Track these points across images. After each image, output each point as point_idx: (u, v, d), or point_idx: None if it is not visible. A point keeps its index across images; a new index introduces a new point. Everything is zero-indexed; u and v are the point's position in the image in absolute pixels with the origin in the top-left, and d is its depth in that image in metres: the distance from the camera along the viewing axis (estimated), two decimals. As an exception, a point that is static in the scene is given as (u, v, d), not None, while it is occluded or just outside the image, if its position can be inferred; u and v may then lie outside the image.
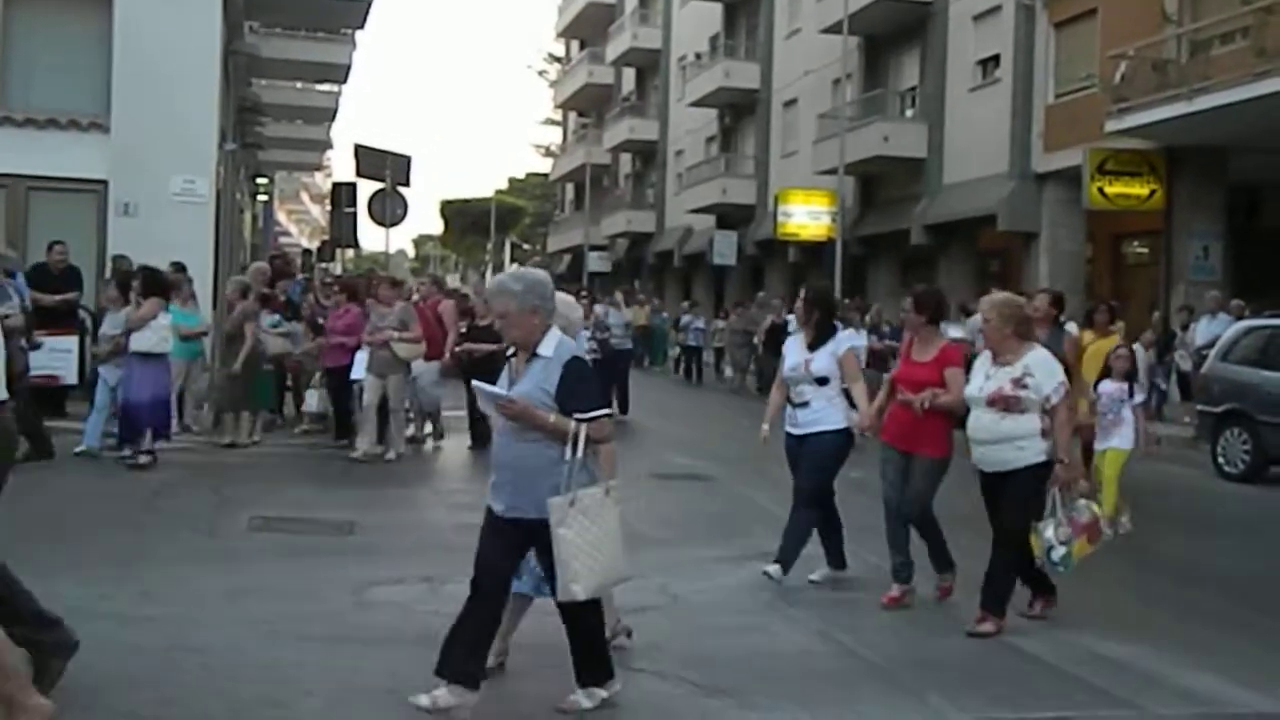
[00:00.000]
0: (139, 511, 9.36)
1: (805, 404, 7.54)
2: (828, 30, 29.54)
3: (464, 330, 14.23)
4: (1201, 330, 16.99)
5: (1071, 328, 11.35)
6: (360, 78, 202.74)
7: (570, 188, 60.72)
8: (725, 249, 36.25)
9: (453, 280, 73.90)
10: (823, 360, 7.47)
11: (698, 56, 42.63)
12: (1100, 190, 20.79)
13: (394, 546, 8.47)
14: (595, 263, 49.53)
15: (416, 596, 7.03)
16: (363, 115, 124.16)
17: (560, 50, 65.43)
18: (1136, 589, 7.93)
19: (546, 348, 5.09)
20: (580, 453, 4.90)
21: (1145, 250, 23.15)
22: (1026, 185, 23.72)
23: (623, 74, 52.04)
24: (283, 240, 53.69)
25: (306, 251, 44.71)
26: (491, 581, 5.15)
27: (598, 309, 18.33)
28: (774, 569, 7.37)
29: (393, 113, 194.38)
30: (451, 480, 12.35)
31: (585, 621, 5.19)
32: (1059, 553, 6.58)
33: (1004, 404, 6.56)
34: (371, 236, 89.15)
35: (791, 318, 20.94)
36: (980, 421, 6.66)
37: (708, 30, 41.91)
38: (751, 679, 5.68)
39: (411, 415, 14.06)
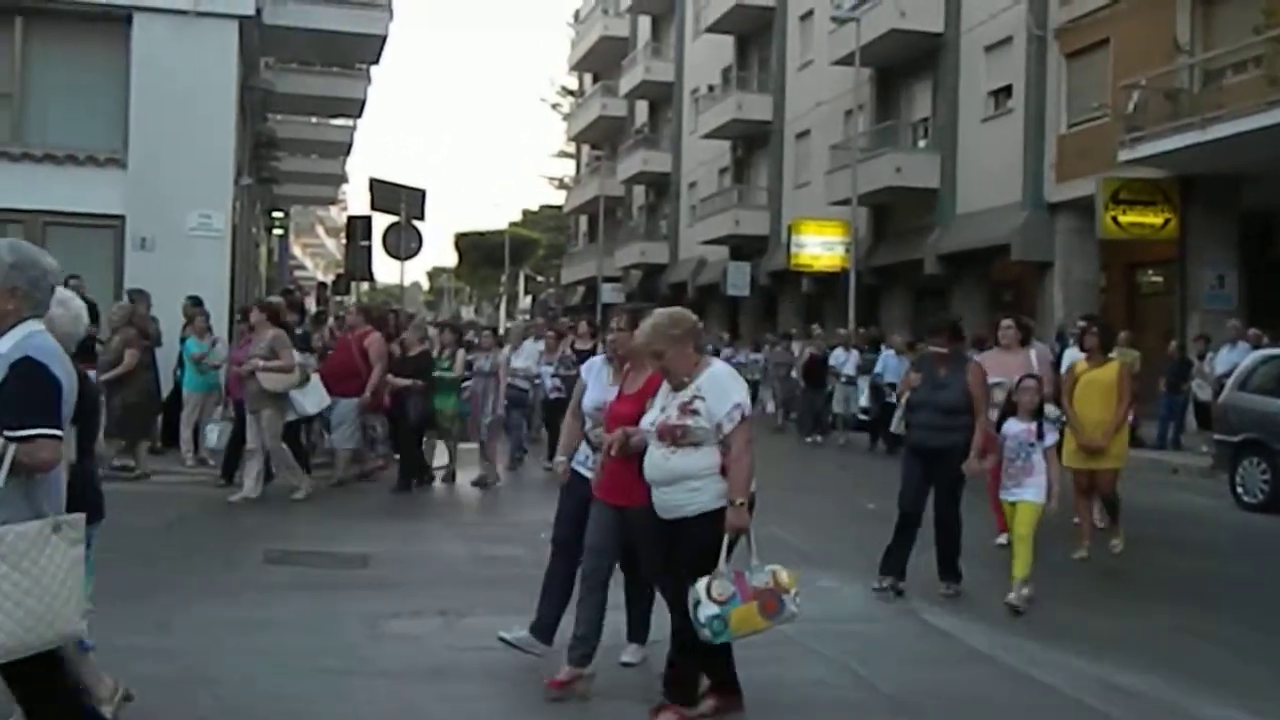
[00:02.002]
0: (154, 543, 9.37)
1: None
2: (840, 62, 29.67)
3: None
4: (1221, 359, 16.91)
5: (1074, 354, 11.22)
6: (375, 112, 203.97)
7: (584, 220, 60.92)
8: (739, 280, 36.30)
9: (467, 313, 74.21)
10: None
11: (710, 89, 42.82)
12: (1114, 219, 20.78)
13: (409, 579, 8.47)
14: (609, 294, 49.62)
15: (431, 630, 7.02)
16: (377, 149, 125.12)
17: (573, 83, 65.80)
18: (1153, 619, 7.88)
19: (6, 342, 3.96)
20: (2, 479, 3.76)
21: (1160, 279, 23.10)
22: (1040, 215, 23.72)
23: (636, 106, 52.28)
24: (298, 274, 53.94)
25: (321, 285, 44.89)
26: None
27: (565, 346, 15.93)
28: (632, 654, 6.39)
29: (407, 147, 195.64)
30: (467, 513, 12.34)
31: (34, 685, 4.09)
32: (708, 611, 5.17)
33: (671, 436, 5.32)
34: (386, 269, 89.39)
35: (838, 350, 20.83)
36: (651, 459, 5.39)
37: (720, 63, 42.11)
38: (765, 710, 5.65)
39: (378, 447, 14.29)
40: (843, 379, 20.17)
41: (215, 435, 13.14)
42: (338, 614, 7.29)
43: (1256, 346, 15.83)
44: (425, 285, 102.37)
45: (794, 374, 22.33)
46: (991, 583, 8.30)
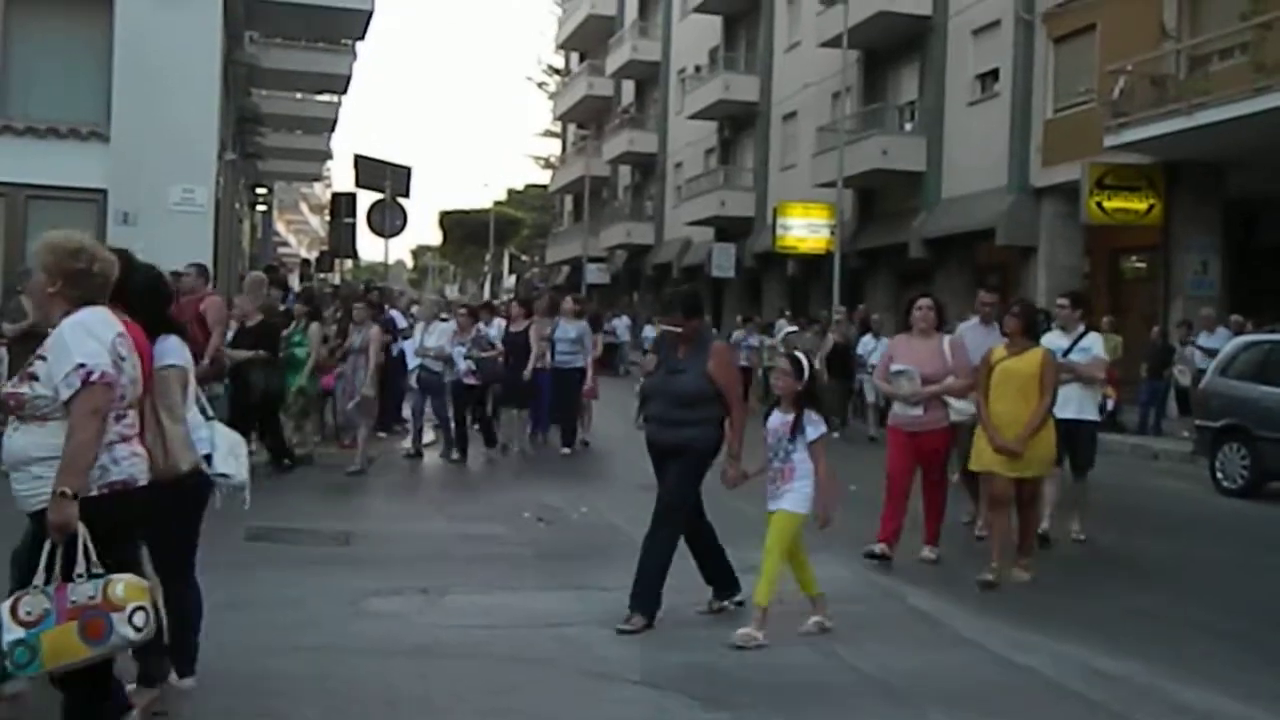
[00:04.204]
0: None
1: None
2: (827, 44, 29.61)
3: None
4: (1201, 345, 16.99)
5: (1094, 340, 9.72)
6: (360, 89, 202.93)
7: (569, 199, 60.81)
8: (724, 261, 36.28)
9: (451, 291, 74.06)
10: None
11: (697, 69, 42.71)
12: (1099, 205, 20.81)
13: (390, 557, 8.45)
14: (594, 274, 49.60)
15: (413, 607, 7.01)
16: (362, 126, 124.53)
17: (560, 62, 65.59)
18: (1134, 603, 7.91)
19: None
20: None
21: (1143, 265, 23.16)
22: (1025, 199, 23.74)
23: (622, 86, 52.15)
24: (281, 251, 53.72)
25: (305, 262, 44.72)
26: None
27: (481, 325, 14.82)
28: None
29: (392, 124, 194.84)
30: (450, 491, 12.32)
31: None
32: (10, 636, 4.05)
33: (9, 405, 4.25)
34: (370, 247, 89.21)
35: (867, 338, 19.61)
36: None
37: (707, 43, 41.99)
38: (750, 693, 5.66)
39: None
40: (869, 369, 18.64)
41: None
42: (319, 592, 7.27)
43: (1239, 333, 15.90)
44: (409, 263, 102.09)
45: (817, 365, 21.16)
46: (974, 565, 8.33)
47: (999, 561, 8.07)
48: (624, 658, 6.11)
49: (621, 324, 34.91)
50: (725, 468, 6.81)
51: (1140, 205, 20.88)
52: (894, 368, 8.70)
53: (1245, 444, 13.09)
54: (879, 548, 8.47)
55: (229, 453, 5.36)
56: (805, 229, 31.53)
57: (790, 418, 6.56)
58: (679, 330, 6.94)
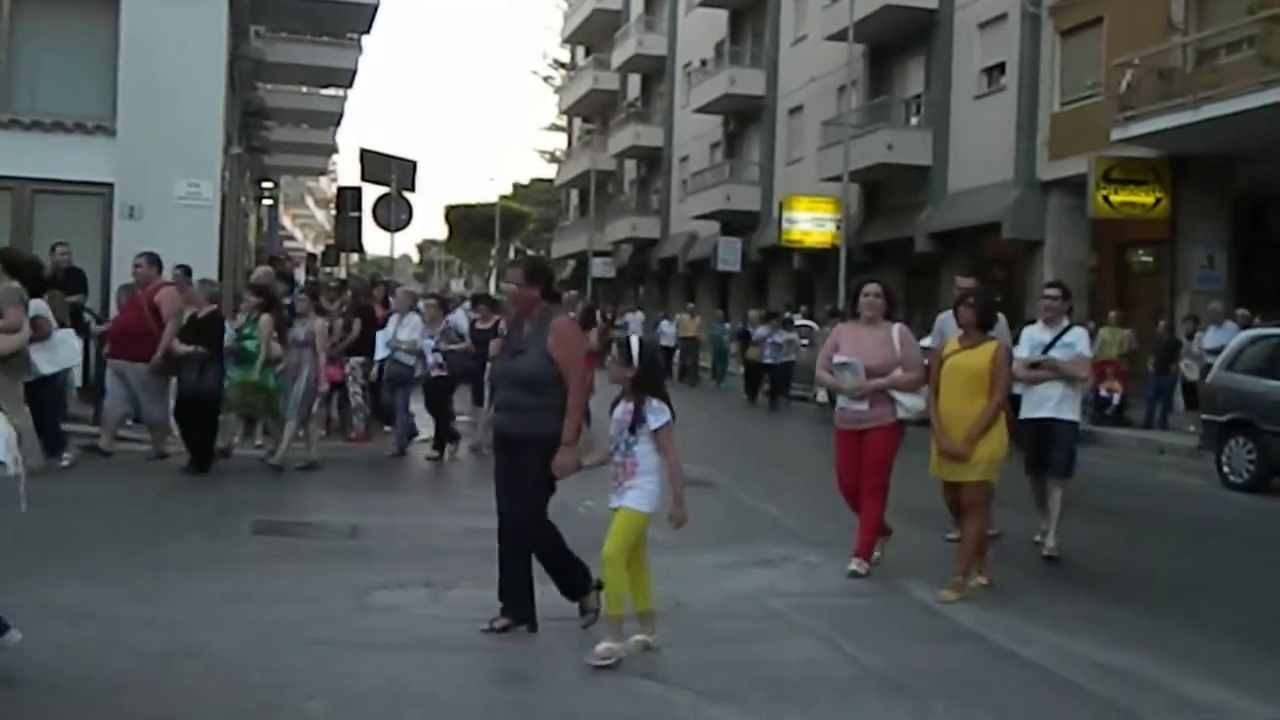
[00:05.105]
0: (142, 514, 9.36)
1: None
2: (833, 37, 29.59)
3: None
4: (1209, 339, 16.96)
5: (1078, 335, 8.93)
6: (366, 83, 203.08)
7: (575, 194, 60.80)
8: (729, 255, 36.27)
9: (456, 286, 74.10)
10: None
11: (703, 63, 42.67)
12: (1105, 199, 20.78)
13: (396, 551, 8.45)
14: (599, 269, 49.61)
15: (419, 601, 7.01)
16: (368, 120, 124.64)
17: (566, 56, 65.59)
18: (1139, 598, 7.90)
19: None
20: None
21: (1150, 259, 23.13)
22: (1031, 193, 23.71)
23: (628, 80, 52.11)
24: (287, 245, 53.74)
25: (311, 256, 44.73)
26: None
27: (450, 317, 14.48)
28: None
29: (398, 118, 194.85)
30: (456, 485, 12.33)
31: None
32: None
33: None
34: (376, 241, 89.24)
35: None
36: None
37: (713, 37, 41.95)
38: (755, 687, 5.66)
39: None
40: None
41: None
42: (325, 585, 7.27)
43: (1246, 327, 15.87)
44: (415, 258, 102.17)
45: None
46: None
47: (964, 576, 7.53)
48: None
49: (635, 319, 34.88)
50: (560, 454, 6.07)
51: (1147, 199, 20.85)
52: (836, 359, 7.96)
53: (1251, 438, 13.07)
54: (857, 564, 7.90)
55: (3, 444, 5.29)
56: (811, 223, 31.54)
57: (631, 407, 5.93)
58: (515, 290, 6.32)
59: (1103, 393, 18.21)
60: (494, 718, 5.33)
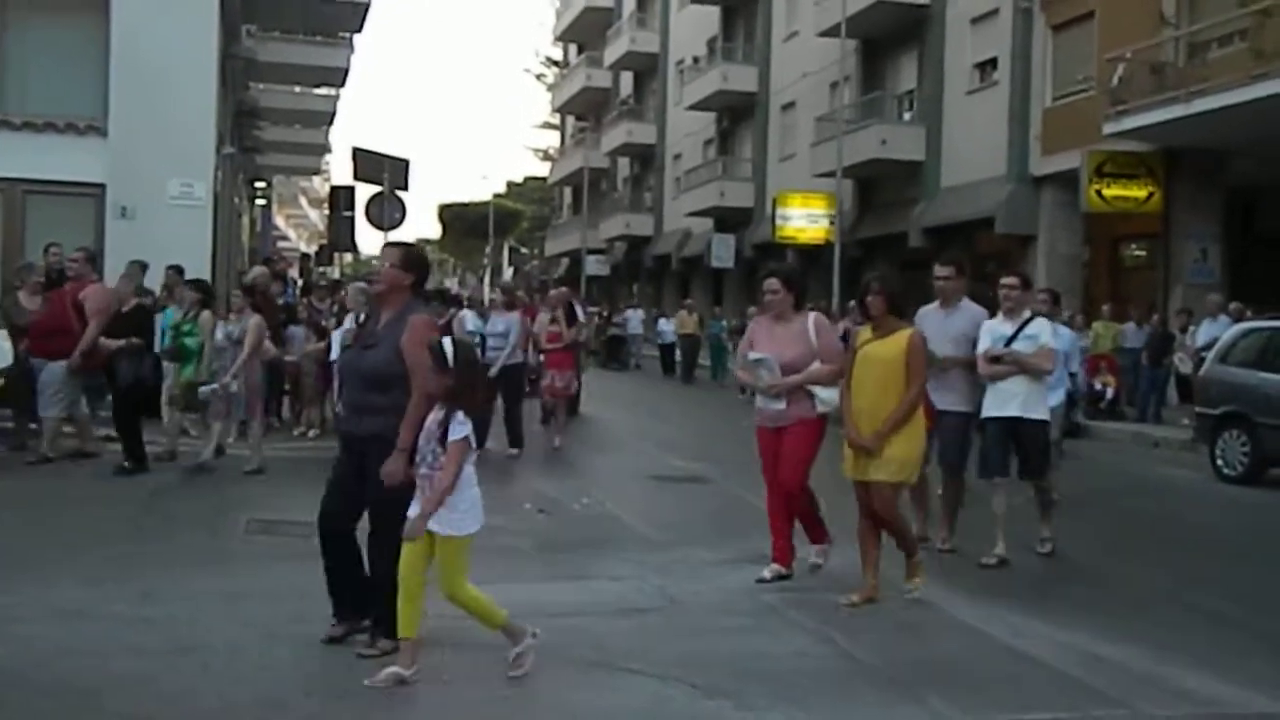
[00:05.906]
0: (138, 514, 9.36)
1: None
2: (825, 33, 29.60)
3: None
4: (1203, 333, 16.99)
5: (1041, 326, 8.45)
6: (358, 82, 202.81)
7: (568, 191, 60.78)
8: (723, 252, 36.29)
9: (450, 284, 74.02)
10: None
11: (695, 60, 42.68)
12: (1098, 193, 20.81)
13: (392, 549, 8.44)
14: (593, 266, 49.61)
15: (414, 599, 7.00)
16: (360, 119, 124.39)
17: (558, 54, 65.54)
18: (1134, 590, 7.92)
19: None
20: None
21: (1143, 253, 23.16)
22: (1024, 188, 23.74)
23: (620, 78, 52.09)
24: (280, 245, 53.69)
25: (305, 255, 44.69)
26: None
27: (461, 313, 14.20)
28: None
29: (390, 117, 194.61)
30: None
31: None
32: None
33: None
34: (369, 241, 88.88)
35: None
36: None
37: (705, 34, 41.96)
38: (749, 681, 5.67)
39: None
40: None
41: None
42: (322, 583, 7.26)
43: (1238, 320, 15.90)
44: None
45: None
46: (973, 551, 8.34)
47: (875, 589, 7.13)
48: (625, 647, 6.12)
49: (635, 316, 34.85)
50: (390, 462, 5.53)
51: (1140, 193, 20.88)
52: (750, 355, 7.53)
53: (1245, 431, 13.10)
54: (769, 570, 7.55)
55: None
56: (804, 219, 31.57)
57: (440, 415, 5.37)
58: (383, 290, 5.90)
59: (1096, 386, 18.27)
60: (490, 712, 5.34)
